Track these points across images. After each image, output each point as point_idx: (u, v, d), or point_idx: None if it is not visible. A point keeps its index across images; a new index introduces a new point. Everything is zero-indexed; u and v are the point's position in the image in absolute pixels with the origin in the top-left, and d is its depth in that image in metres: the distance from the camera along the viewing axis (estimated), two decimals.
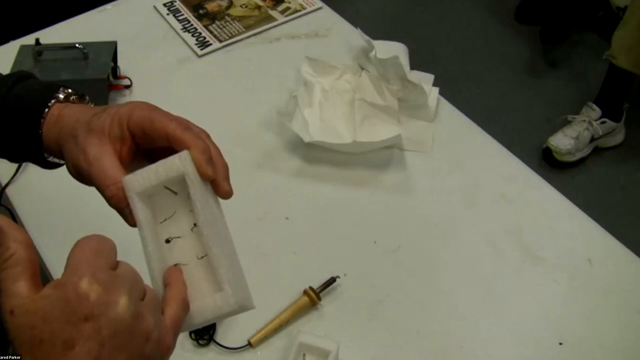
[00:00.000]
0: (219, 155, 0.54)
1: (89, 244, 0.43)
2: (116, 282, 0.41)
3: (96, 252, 0.42)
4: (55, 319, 0.38)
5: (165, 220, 0.52)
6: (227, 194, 0.53)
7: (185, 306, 0.48)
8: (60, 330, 0.38)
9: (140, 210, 0.50)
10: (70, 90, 0.61)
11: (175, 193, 0.52)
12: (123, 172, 0.52)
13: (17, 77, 0.62)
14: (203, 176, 0.51)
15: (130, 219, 0.51)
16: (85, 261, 0.41)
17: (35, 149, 0.59)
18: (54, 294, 0.39)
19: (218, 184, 0.53)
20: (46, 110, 0.58)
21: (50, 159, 0.61)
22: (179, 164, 0.51)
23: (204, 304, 0.50)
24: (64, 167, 0.63)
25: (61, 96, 0.60)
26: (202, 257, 0.51)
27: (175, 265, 0.51)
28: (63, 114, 0.58)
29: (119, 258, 0.45)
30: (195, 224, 0.51)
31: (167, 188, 0.52)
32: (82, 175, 0.54)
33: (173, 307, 0.47)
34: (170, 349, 0.45)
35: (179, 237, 0.52)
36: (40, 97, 0.59)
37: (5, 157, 0.64)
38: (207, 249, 0.50)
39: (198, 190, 0.51)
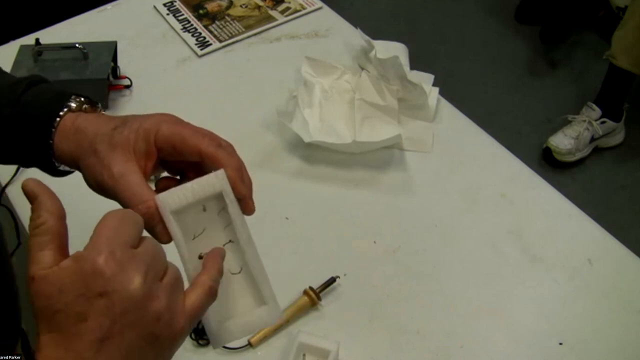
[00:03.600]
0: (245, 171, 0.54)
1: (113, 220, 0.43)
2: (133, 261, 0.42)
3: (118, 229, 0.43)
4: (71, 292, 0.40)
5: (195, 237, 0.52)
6: (252, 212, 0.54)
7: (211, 293, 0.47)
8: (74, 302, 0.40)
9: (176, 228, 0.50)
10: (82, 99, 0.58)
11: (204, 210, 0.52)
12: (150, 189, 0.51)
13: (29, 82, 0.59)
14: (238, 194, 0.52)
15: (162, 236, 0.51)
16: (106, 237, 0.42)
17: (44, 158, 0.57)
18: (72, 266, 0.40)
19: (247, 202, 0.53)
20: (57, 119, 0.56)
21: (61, 167, 0.59)
22: (216, 182, 0.51)
23: (248, 318, 0.52)
24: (71, 172, 0.62)
25: (73, 105, 0.57)
26: (236, 273, 0.53)
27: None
28: (78, 125, 0.56)
29: None
30: (230, 240, 0.53)
31: (200, 205, 0.52)
32: (105, 191, 0.52)
33: (197, 292, 0.47)
34: (183, 332, 0.45)
35: None
36: (51, 106, 0.57)
37: (17, 162, 0.63)
38: (250, 265, 0.52)
39: (236, 208, 0.52)
